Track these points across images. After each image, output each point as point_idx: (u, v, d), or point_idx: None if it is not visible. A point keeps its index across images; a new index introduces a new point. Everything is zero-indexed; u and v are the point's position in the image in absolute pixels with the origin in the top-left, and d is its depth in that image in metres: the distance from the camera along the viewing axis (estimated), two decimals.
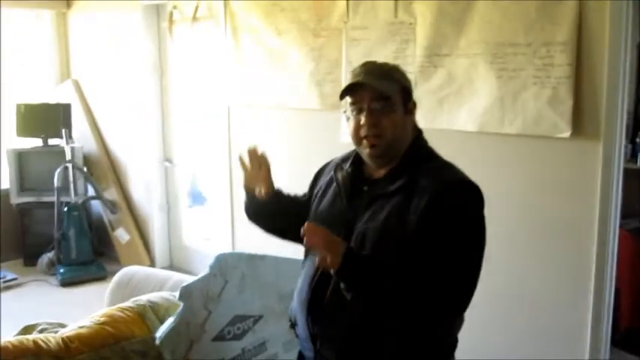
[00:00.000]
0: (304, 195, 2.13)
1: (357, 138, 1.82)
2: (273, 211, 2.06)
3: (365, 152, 1.83)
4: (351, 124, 1.83)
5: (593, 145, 2.72)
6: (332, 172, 1.97)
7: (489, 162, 3.09)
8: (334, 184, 1.93)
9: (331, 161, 2.07)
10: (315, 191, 2.03)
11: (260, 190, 2.04)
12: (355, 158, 1.93)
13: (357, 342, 1.78)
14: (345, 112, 1.87)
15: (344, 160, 1.98)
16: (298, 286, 1.94)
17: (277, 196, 2.07)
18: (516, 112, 2.92)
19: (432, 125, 3.27)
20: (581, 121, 2.74)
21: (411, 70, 3.32)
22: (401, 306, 1.72)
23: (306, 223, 1.70)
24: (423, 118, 3.24)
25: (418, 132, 1.91)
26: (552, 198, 2.90)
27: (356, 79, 1.80)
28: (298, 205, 2.07)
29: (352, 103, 1.81)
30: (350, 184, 1.88)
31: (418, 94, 3.26)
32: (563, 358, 2.91)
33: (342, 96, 1.83)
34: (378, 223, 1.76)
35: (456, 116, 3.18)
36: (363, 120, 1.78)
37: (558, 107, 2.76)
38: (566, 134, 2.76)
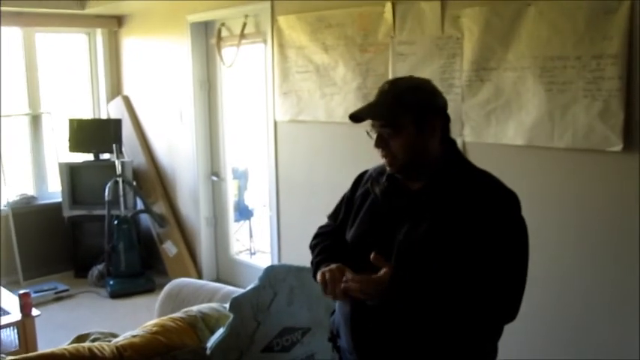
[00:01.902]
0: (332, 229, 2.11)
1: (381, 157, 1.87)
2: None
3: (388, 170, 1.88)
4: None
5: None
6: (368, 185, 1.98)
7: (538, 176, 3.06)
8: (371, 196, 1.94)
9: (367, 171, 2.08)
10: (353, 209, 2.02)
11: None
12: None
13: (403, 352, 1.79)
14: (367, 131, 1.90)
15: (380, 173, 1.98)
16: None
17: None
18: (566, 125, 2.89)
19: (480, 139, 3.27)
20: (632, 134, 2.70)
21: (458, 84, 3.33)
22: (453, 318, 1.73)
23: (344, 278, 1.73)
24: (471, 132, 3.28)
25: (452, 144, 1.91)
26: (603, 212, 2.86)
27: (354, 113, 1.84)
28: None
29: (370, 125, 1.86)
30: (388, 197, 1.89)
31: (466, 108, 3.29)
32: None
33: (353, 121, 1.85)
34: (420, 235, 1.77)
35: (504, 130, 3.16)
36: (374, 143, 1.84)
37: (609, 120, 2.73)
38: (618, 148, 2.72)
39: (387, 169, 1.86)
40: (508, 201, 1.79)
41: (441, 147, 1.86)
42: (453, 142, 1.92)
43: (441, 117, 1.86)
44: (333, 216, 2.16)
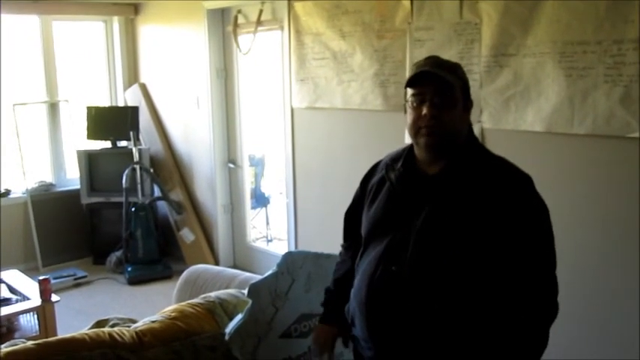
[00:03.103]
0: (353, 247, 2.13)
1: (415, 128, 1.81)
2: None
3: (421, 141, 1.81)
4: (411, 114, 1.82)
5: None
6: (383, 172, 1.96)
7: (558, 162, 3.04)
8: (387, 184, 1.92)
9: (379, 162, 2.05)
10: (367, 193, 2.01)
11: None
12: (407, 156, 1.91)
13: (419, 342, 1.78)
14: (406, 102, 1.86)
15: (394, 159, 1.96)
16: (356, 285, 1.94)
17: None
18: (586, 111, 2.87)
19: (499, 126, 3.25)
20: None
21: (477, 70, 3.30)
22: (477, 314, 1.73)
23: None
24: (489, 119, 3.26)
25: (470, 129, 1.90)
26: (624, 198, 2.84)
27: (422, 69, 1.80)
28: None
29: (415, 94, 1.80)
30: (404, 182, 1.87)
31: (484, 94, 3.27)
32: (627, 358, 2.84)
33: (407, 85, 1.83)
34: (438, 220, 1.75)
35: (523, 116, 3.14)
36: (425, 111, 1.77)
37: (630, 106, 2.70)
38: (638, 134, 2.69)
39: (424, 140, 1.80)
40: (525, 182, 1.79)
41: (468, 128, 1.88)
42: (471, 129, 1.91)
43: (471, 100, 1.89)
44: (348, 218, 2.18)
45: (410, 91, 1.82)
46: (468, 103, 1.85)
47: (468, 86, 1.86)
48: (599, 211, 2.93)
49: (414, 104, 1.80)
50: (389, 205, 1.89)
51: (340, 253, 2.24)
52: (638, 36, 2.65)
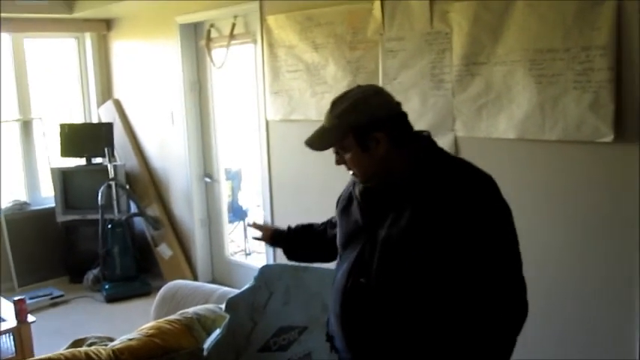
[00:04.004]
0: (328, 223, 2.30)
1: None
2: (302, 248, 2.37)
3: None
4: None
5: (636, 148, 2.68)
6: (351, 188, 2.01)
7: (530, 169, 3.07)
8: (355, 200, 1.96)
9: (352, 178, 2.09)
10: (339, 209, 2.06)
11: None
12: None
13: (396, 352, 1.79)
14: None
15: None
16: (331, 297, 1.97)
17: (302, 233, 2.37)
18: (557, 117, 2.90)
19: (472, 134, 3.27)
20: (623, 125, 2.71)
21: (449, 79, 3.33)
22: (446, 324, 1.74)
23: None
24: (462, 127, 3.28)
25: (424, 139, 1.88)
26: (595, 203, 2.87)
27: (311, 138, 1.89)
28: (322, 236, 2.29)
29: None
30: (368, 195, 1.90)
31: (456, 102, 3.30)
32: (614, 358, 2.87)
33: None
34: (400, 229, 1.76)
35: (495, 124, 3.17)
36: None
37: (600, 111, 2.74)
38: (609, 139, 2.73)
39: (361, 184, 1.91)
40: (483, 184, 1.79)
41: (398, 152, 1.82)
42: (419, 137, 1.88)
43: (386, 127, 1.80)
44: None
45: None
46: (366, 141, 1.80)
47: (363, 126, 1.79)
48: (573, 215, 2.96)
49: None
50: (357, 217, 1.92)
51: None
52: (606, 42, 2.70)
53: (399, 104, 1.86)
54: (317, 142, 1.88)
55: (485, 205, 1.75)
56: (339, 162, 1.89)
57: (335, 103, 1.86)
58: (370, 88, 1.89)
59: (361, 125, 1.79)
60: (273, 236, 2.42)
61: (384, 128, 1.79)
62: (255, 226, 2.51)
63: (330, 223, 2.27)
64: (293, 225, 2.42)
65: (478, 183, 1.79)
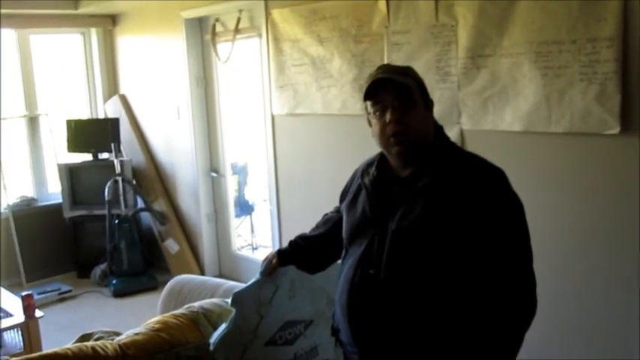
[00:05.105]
0: (331, 217, 2.27)
1: (384, 138, 1.82)
2: (311, 259, 2.31)
3: (393, 151, 1.83)
4: (376, 125, 1.83)
5: None
6: (359, 179, 1.99)
7: (537, 161, 3.06)
8: (363, 190, 1.95)
9: (357, 170, 2.08)
10: (346, 202, 2.04)
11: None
12: (380, 161, 1.94)
13: (403, 345, 1.79)
14: (368, 114, 1.87)
15: (369, 164, 1.99)
16: (338, 290, 1.95)
17: (305, 243, 2.30)
18: (563, 110, 2.89)
19: (478, 127, 3.26)
20: (629, 116, 2.69)
21: (454, 72, 3.32)
22: (456, 314, 1.74)
23: None
24: (468, 120, 3.27)
25: (439, 128, 1.91)
26: (601, 195, 2.86)
27: (375, 77, 1.81)
28: (325, 238, 2.24)
29: (374, 104, 1.82)
30: (378, 186, 1.89)
31: (462, 95, 3.28)
32: (613, 358, 2.86)
33: (366, 98, 1.83)
34: (412, 220, 1.76)
35: (501, 117, 3.15)
36: (388, 117, 1.78)
37: (606, 103, 2.73)
38: (615, 130, 2.72)
39: (395, 149, 1.81)
40: (497, 177, 1.79)
41: (433, 130, 1.87)
42: (441, 127, 1.92)
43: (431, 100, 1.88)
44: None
45: (369, 102, 1.84)
46: (428, 102, 1.86)
47: (424, 86, 1.86)
48: (579, 209, 2.95)
49: (377, 114, 1.82)
50: (366, 209, 1.91)
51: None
52: (612, 34, 2.68)
53: None
54: (393, 76, 1.80)
55: (498, 198, 1.76)
56: (395, 115, 1.77)
57: (384, 66, 1.89)
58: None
59: (423, 85, 1.85)
60: (279, 258, 2.35)
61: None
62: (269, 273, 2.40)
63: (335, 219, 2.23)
64: (293, 239, 2.36)
65: (492, 176, 1.79)
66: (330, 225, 2.22)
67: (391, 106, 1.78)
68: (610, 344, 2.88)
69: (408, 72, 1.86)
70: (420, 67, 3.45)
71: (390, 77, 1.79)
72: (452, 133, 3.29)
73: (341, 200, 2.13)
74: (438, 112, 3.38)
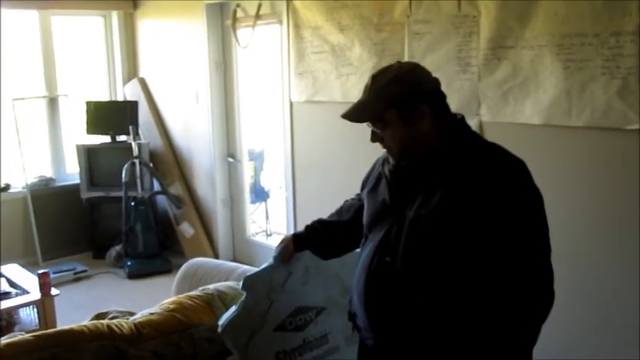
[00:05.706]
0: (352, 203, 2.27)
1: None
2: (328, 244, 2.30)
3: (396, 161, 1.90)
4: None
5: None
6: (380, 167, 2.00)
7: (556, 155, 3.04)
8: (383, 178, 1.95)
9: (378, 159, 2.09)
10: (367, 189, 2.06)
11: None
12: None
13: (419, 332, 1.79)
14: None
15: None
16: (356, 277, 1.97)
17: (322, 227, 2.30)
18: (584, 103, 2.87)
19: (497, 119, 3.25)
20: None
21: (475, 63, 3.30)
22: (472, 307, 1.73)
23: None
24: (487, 112, 3.26)
25: (458, 121, 1.87)
26: (621, 190, 2.84)
27: (349, 111, 1.86)
28: (346, 226, 2.24)
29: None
30: (397, 176, 1.89)
31: (482, 87, 3.27)
32: (627, 358, 2.84)
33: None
34: (430, 210, 1.76)
35: (521, 109, 3.14)
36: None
37: (628, 98, 2.70)
38: (637, 125, 2.70)
39: (395, 161, 1.88)
40: (516, 169, 1.78)
41: (439, 127, 1.82)
42: (455, 117, 1.88)
43: (430, 99, 1.81)
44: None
45: None
46: (411, 114, 1.78)
47: (408, 98, 1.78)
48: (598, 204, 2.93)
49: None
50: (386, 197, 1.91)
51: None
52: (636, 28, 2.65)
53: (438, 80, 1.86)
54: (356, 113, 1.85)
55: (518, 190, 1.74)
56: (374, 139, 1.86)
57: (376, 77, 1.84)
58: (410, 63, 1.91)
59: (405, 97, 1.78)
60: (295, 242, 2.34)
61: (428, 100, 1.80)
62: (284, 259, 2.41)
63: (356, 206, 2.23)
64: (310, 223, 2.35)
65: (512, 167, 1.78)
66: (352, 212, 2.22)
67: (371, 132, 1.87)
68: (623, 343, 2.87)
69: (382, 92, 1.80)
70: (440, 58, 3.46)
71: (349, 115, 1.85)
72: (471, 125, 3.27)
73: (362, 188, 2.13)
74: (457, 102, 3.39)
